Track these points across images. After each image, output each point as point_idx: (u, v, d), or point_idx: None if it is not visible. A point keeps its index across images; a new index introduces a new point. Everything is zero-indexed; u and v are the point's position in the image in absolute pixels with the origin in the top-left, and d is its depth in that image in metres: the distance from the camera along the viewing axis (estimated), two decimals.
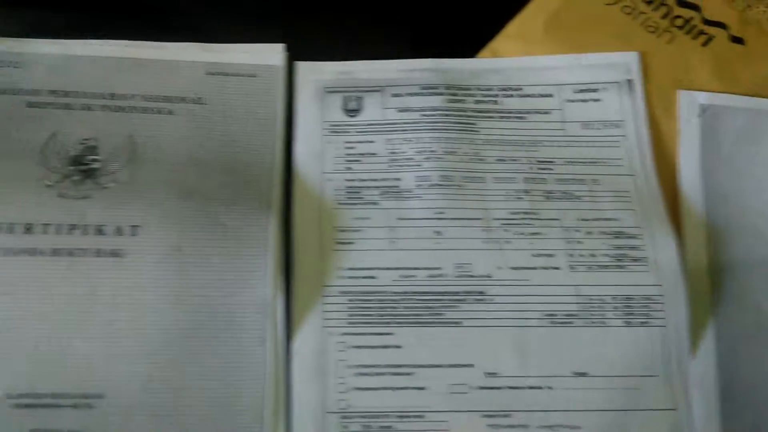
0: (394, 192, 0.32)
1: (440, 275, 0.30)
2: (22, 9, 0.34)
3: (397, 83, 0.34)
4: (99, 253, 0.28)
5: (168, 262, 0.29)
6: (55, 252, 0.28)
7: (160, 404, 0.27)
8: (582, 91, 0.34)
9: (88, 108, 0.32)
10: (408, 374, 0.29)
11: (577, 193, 0.32)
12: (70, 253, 0.28)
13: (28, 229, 0.28)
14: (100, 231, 0.29)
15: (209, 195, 0.30)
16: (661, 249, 0.31)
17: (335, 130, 0.33)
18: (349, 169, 0.32)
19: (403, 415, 0.28)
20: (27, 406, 0.27)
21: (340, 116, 0.34)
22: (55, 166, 0.30)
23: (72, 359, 0.27)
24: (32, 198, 0.29)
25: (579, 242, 0.31)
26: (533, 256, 0.31)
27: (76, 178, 0.30)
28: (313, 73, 0.35)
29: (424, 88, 0.34)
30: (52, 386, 0.27)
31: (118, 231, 0.29)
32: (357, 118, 0.34)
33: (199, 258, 0.29)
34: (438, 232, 0.31)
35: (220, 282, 0.29)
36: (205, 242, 0.29)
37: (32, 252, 0.28)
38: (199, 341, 0.28)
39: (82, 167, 0.30)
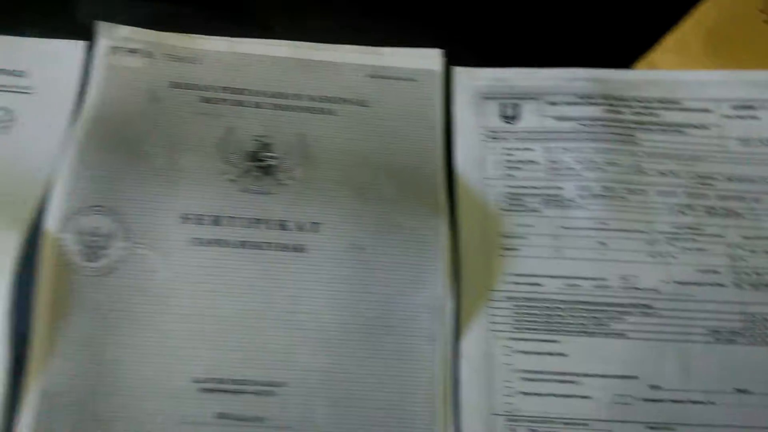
0: (556, 201, 0.32)
1: (605, 286, 0.30)
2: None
3: (554, 91, 0.35)
4: (283, 247, 0.30)
5: (348, 258, 0.30)
6: (243, 244, 0.30)
7: (338, 394, 0.28)
8: (740, 107, 0.34)
9: (259, 105, 0.33)
10: (573, 382, 0.29)
11: (739, 211, 0.32)
12: (257, 245, 0.30)
13: (216, 221, 0.30)
14: (283, 226, 0.30)
15: (382, 196, 0.31)
16: None
17: (494, 136, 0.34)
18: (510, 175, 0.33)
19: (568, 423, 0.29)
20: (213, 390, 0.28)
21: (497, 123, 0.34)
22: (235, 162, 0.32)
23: (255, 348, 0.29)
24: (218, 191, 0.30)
25: (743, 260, 0.31)
26: (698, 271, 0.31)
27: (255, 174, 0.31)
28: (469, 79, 0.35)
29: (581, 98, 0.34)
30: (237, 373, 0.28)
31: (300, 227, 0.30)
32: (515, 125, 0.34)
33: (377, 256, 0.30)
34: (602, 243, 0.31)
35: (396, 281, 0.30)
36: (384, 242, 0.30)
37: (222, 243, 0.30)
38: (375, 337, 0.29)
39: (260, 163, 0.32)
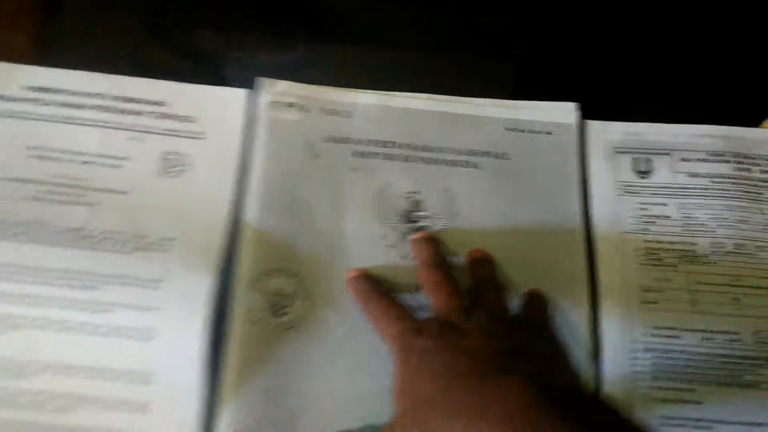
0: (690, 256, 0.34)
1: (739, 340, 0.33)
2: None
3: (685, 148, 0.36)
4: None
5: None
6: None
7: None
8: None
9: (408, 159, 0.36)
10: (708, 428, 0.32)
11: None
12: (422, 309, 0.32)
13: (386, 278, 0.33)
14: None
15: (525, 257, 0.34)
16: None
17: (629, 190, 0.36)
18: (646, 230, 0.35)
19: None
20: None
21: (631, 177, 0.36)
22: (391, 223, 0.34)
23: None
24: (380, 257, 0.33)
25: None
26: None
27: (409, 238, 0.34)
28: (603, 132, 0.37)
29: (710, 155, 0.36)
30: None
31: None
32: (648, 180, 0.36)
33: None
34: (736, 299, 0.34)
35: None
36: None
37: None
38: None
39: (413, 225, 0.34)
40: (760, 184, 0.36)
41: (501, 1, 0.40)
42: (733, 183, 0.35)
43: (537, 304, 0.33)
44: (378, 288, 0.32)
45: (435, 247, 0.33)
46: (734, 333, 0.33)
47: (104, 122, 0.35)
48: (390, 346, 0.30)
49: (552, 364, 0.29)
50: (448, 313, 0.30)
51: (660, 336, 0.33)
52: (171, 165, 0.35)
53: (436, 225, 0.34)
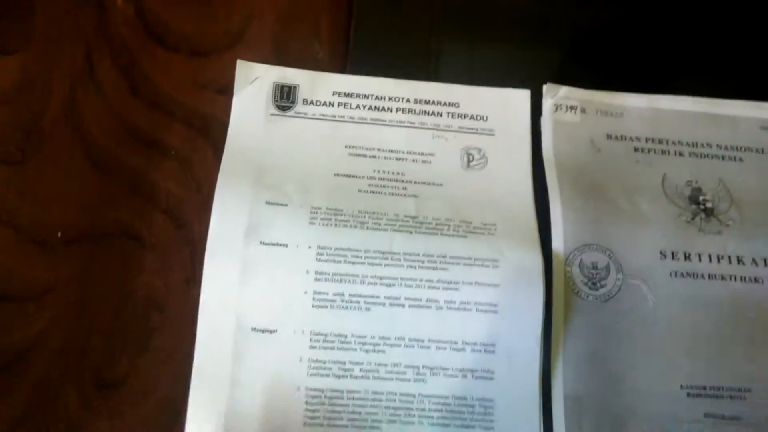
0: None
1: None
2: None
3: None
4: (742, 279, 0.36)
5: None
6: (710, 276, 0.36)
7: None
8: None
9: (680, 154, 0.40)
10: None
11: None
12: (722, 277, 0.36)
13: (687, 257, 0.36)
14: (739, 261, 0.37)
15: None
16: None
17: None
18: None
19: None
20: (697, 396, 0.35)
21: None
22: (681, 204, 0.38)
23: (726, 360, 0.35)
24: (681, 231, 0.37)
25: None
26: None
27: (702, 216, 0.38)
28: None
29: None
30: (714, 380, 0.35)
31: (754, 262, 0.37)
32: None
33: None
34: None
35: None
36: None
37: (694, 276, 0.36)
38: None
39: (701, 206, 0.38)
40: None
41: None
42: None
43: None
44: None
45: None
46: None
47: (410, 122, 0.39)
48: None
49: None
50: None
51: None
52: (472, 159, 0.39)
53: (719, 207, 0.38)
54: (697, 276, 0.36)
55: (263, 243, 0.35)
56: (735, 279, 0.36)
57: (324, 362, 0.34)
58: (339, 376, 0.34)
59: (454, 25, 0.42)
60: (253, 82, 0.39)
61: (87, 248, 0.36)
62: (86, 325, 0.34)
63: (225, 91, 0.39)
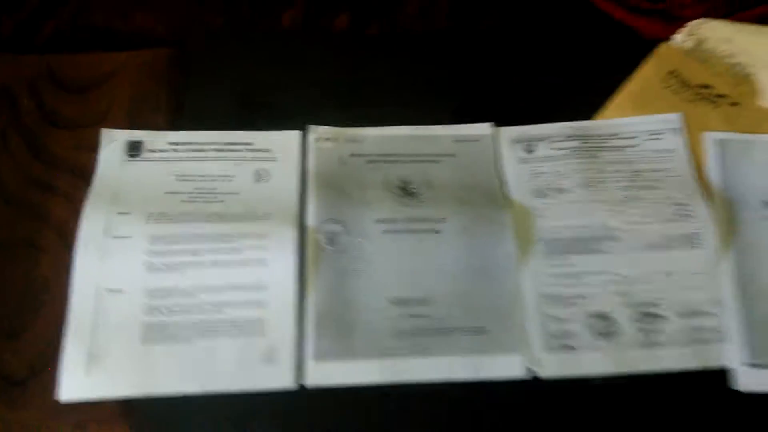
0: (558, 190, 0.60)
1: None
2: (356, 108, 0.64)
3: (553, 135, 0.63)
4: (427, 230, 0.57)
5: (461, 234, 0.57)
6: (407, 230, 0.57)
7: (462, 304, 0.55)
8: (652, 133, 0.63)
9: (398, 162, 0.61)
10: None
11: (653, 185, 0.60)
12: (413, 231, 0.57)
13: (393, 221, 0.57)
14: (425, 220, 0.57)
15: (474, 203, 0.59)
16: None
17: (520, 164, 0.62)
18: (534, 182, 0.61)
19: None
20: (399, 304, 0.54)
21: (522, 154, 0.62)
22: (395, 192, 0.59)
23: (418, 282, 0.55)
24: (391, 207, 0.58)
25: None
26: None
27: (407, 197, 0.59)
28: (509, 134, 0.63)
29: (566, 138, 0.63)
30: (409, 294, 0.55)
31: (436, 220, 0.57)
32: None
33: (475, 232, 0.57)
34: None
35: (487, 245, 0.57)
36: (478, 225, 0.58)
37: (398, 231, 0.57)
38: (479, 275, 0.56)
39: (406, 191, 0.59)
40: (595, 150, 0.62)
41: None
42: (578, 150, 0.62)
43: None
44: None
45: None
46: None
47: (219, 158, 0.61)
48: None
49: None
50: None
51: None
52: (261, 177, 0.59)
53: (420, 191, 0.59)
54: (399, 232, 0.57)
55: (115, 237, 0.55)
56: (424, 232, 0.57)
57: (157, 307, 0.53)
58: (167, 315, 0.52)
59: (251, 98, 0.65)
60: (113, 142, 0.60)
61: (1, 254, 0.55)
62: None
63: (94, 149, 0.60)
